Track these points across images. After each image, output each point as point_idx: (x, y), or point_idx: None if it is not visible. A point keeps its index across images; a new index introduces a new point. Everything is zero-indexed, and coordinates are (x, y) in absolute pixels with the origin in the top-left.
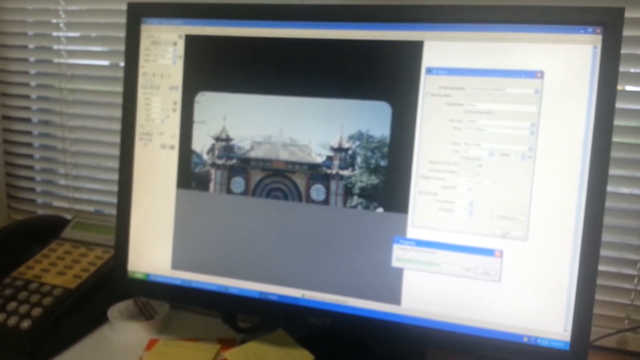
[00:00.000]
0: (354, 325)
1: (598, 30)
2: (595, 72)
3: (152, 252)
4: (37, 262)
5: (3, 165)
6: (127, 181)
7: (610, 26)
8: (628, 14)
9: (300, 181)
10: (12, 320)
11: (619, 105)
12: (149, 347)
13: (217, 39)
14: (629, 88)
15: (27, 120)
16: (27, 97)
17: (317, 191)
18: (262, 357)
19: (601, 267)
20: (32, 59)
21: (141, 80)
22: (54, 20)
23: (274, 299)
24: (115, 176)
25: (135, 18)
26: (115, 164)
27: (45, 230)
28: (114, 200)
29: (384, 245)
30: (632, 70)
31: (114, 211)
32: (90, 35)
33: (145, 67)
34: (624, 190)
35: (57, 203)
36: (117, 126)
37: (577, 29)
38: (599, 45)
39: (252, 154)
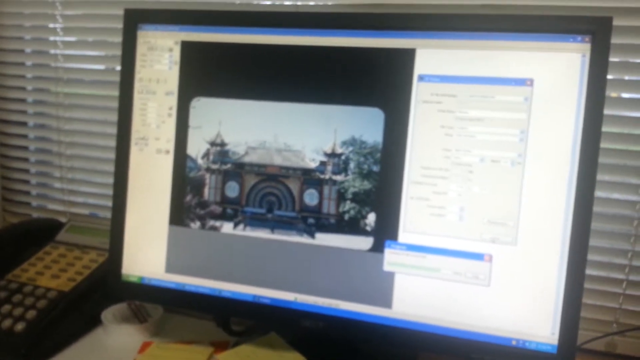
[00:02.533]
0: (346, 328)
1: (587, 39)
2: (584, 79)
3: (146, 256)
4: (31, 265)
5: None
6: (123, 185)
7: (598, 35)
8: (621, 22)
9: (294, 186)
10: (7, 323)
11: (612, 112)
12: (142, 349)
13: (212, 45)
14: (623, 95)
15: (23, 124)
16: (23, 100)
17: (311, 196)
18: (255, 359)
19: (591, 272)
20: (28, 62)
21: (137, 86)
22: (51, 25)
23: (267, 302)
24: (109, 180)
25: (131, 24)
26: (110, 167)
27: (40, 233)
28: (109, 203)
29: (375, 250)
30: (626, 77)
31: (108, 214)
32: (87, 40)
33: (141, 73)
34: (616, 195)
35: (52, 206)
36: (113, 130)
37: (566, 38)
38: (588, 54)
39: (247, 159)
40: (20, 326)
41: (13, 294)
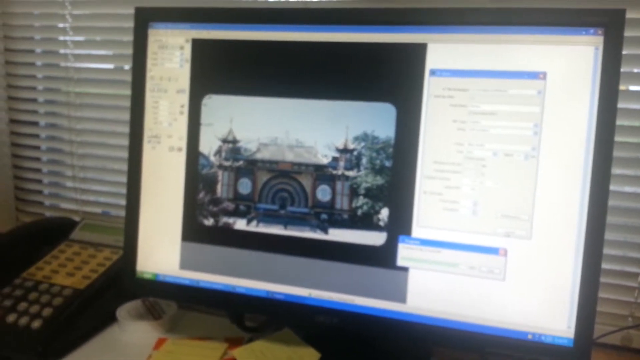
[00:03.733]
0: (360, 323)
1: (599, 32)
2: (597, 72)
3: (160, 253)
4: (46, 263)
5: (11, 168)
6: (136, 183)
7: (611, 27)
8: (634, 15)
9: (307, 182)
10: (23, 320)
11: (622, 105)
12: (157, 346)
13: (223, 42)
14: (632, 88)
15: (35, 124)
16: (34, 100)
17: (323, 192)
18: (269, 355)
19: (605, 266)
20: (39, 62)
21: (149, 84)
22: (61, 25)
23: (281, 298)
24: (121, 178)
25: (142, 22)
26: (122, 166)
27: (54, 232)
28: (121, 202)
29: (389, 245)
30: (635, 70)
31: (121, 213)
32: (96, 39)
33: (152, 71)
34: (628, 189)
35: (64, 205)
36: (124, 129)
37: (578, 31)
38: (601, 47)
39: (259, 156)
40: (36, 323)
41: (29, 292)
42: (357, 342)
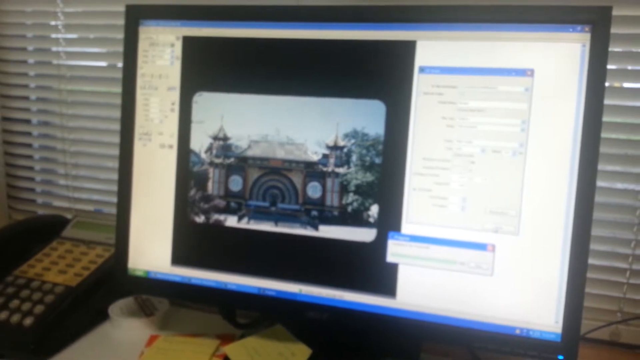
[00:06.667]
0: (351, 319)
1: (586, 29)
2: (584, 69)
3: (151, 250)
4: (38, 260)
5: (3, 165)
6: (127, 180)
7: (598, 24)
8: (623, 12)
9: (297, 179)
10: (15, 318)
11: (616, 102)
12: (150, 343)
13: (214, 40)
14: (626, 85)
15: (27, 122)
16: (26, 98)
17: (314, 189)
18: (261, 351)
19: (595, 261)
20: (31, 60)
21: (140, 81)
22: (53, 22)
23: (272, 294)
24: (114, 176)
25: (133, 20)
26: (114, 163)
27: (46, 229)
28: (114, 199)
29: (378, 242)
30: (629, 67)
31: (113, 210)
32: (88, 36)
33: (143, 69)
34: (619, 185)
35: (57, 203)
36: (116, 126)
37: (566, 28)
38: (588, 43)
39: (250, 153)
40: (28, 321)
41: (21, 289)
42: (348, 337)
